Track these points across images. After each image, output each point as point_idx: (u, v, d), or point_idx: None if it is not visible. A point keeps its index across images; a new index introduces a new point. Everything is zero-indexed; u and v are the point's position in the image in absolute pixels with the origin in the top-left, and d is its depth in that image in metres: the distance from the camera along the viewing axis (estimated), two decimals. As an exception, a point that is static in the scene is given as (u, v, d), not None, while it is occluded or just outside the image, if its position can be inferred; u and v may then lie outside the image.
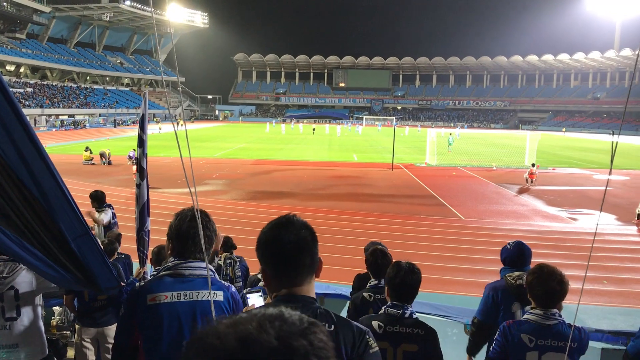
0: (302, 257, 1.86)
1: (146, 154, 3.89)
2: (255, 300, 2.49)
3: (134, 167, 22.04)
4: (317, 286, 6.67)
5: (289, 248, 1.83)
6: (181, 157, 2.23)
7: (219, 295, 2.79)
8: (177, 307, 2.72)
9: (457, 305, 6.85)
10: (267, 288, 1.92)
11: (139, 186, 3.88)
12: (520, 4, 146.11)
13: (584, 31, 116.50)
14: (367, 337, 1.93)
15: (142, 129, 3.94)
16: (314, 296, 1.94)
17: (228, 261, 7.15)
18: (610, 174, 28.34)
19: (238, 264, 7.21)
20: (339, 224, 15.81)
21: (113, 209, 9.30)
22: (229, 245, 7.40)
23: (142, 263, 3.68)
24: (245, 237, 11.31)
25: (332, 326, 1.88)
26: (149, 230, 3.93)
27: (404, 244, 13.31)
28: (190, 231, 2.77)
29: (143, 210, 3.87)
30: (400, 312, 3.23)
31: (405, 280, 3.30)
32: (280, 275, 1.86)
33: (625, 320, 8.74)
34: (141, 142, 3.92)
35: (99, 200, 9.01)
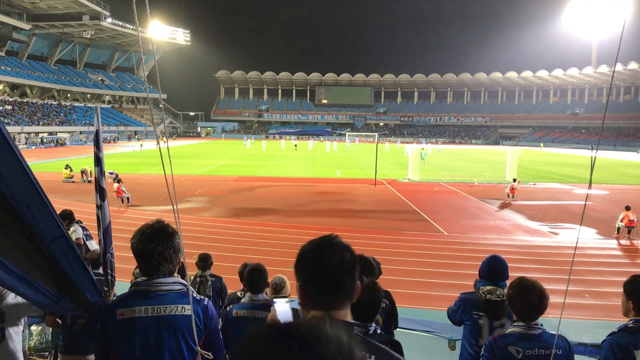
0: (345, 281, 1.80)
1: (104, 172, 3.70)
2: (280, 307, 2.47)
3: (115, 185, 21.89)
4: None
5: (333, 271, 1.78)
6: (165, 174, 2.20)
7: (188, 310, 2.78)
8: (145, 322, 2.75)
9: (440, 321, 6.82)
10: (302, 305, 1.85)
11: (100, 207, 3.67)
12: (500, 21, 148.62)
13: (562, 49, 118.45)
14: None
15: (97, 146, 3.70)
16: (351, 321, 1.88)
17: (199, 279, 7.00)
18: (589, 188, 28.64)
19: (210, 283, 7.04)
20: (322, 240, 15.71)
21: (82, 223, 9.27)
22: (204, 262, 7.23)
23: (111, 286, 3.57)
24: (227, 255, 11.25)
25: (372, 356, 1.82)
26: (113, 252, 3.81)
27: (387, 260, 13.29)
28: (149, 250, 2.77)
29: (107, 232, 3.70)
30: (364, 329, 3.19)
31: (360, 300, 3.25)
32: (319, 297, 1.80)
33: (607, 334, 8.78)
34: (98, 161, 3.69)
35: (69, 218, 9.02)
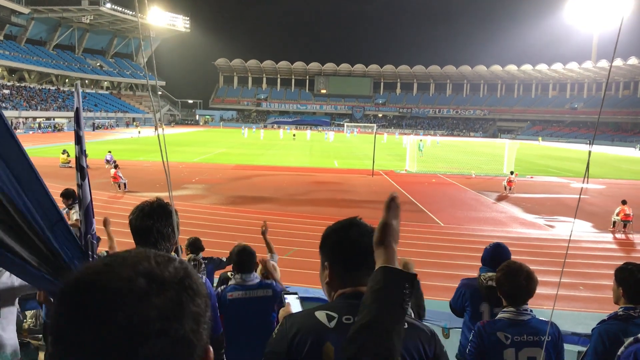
0: (372, 259, 1.84)
1: (85, 150, 3.61)
2: (292, 301, 2.49)
3: (112, 171, 21.85)
4: (296, 290, 6.66)
5: (363, 250, 1.85)
6: (163, 160, 2.19)
7: None
8: None
9: (434, 309, 6.85)
10: (330, 284, 1.93)
11: (80, 186, 3.59)
12: (501, 14, 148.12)
13: (562, 42, 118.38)
14: (437, 338, 1.91)
15: (78, 124, 3.61)
16: None
17: (193, 263, 6.99)
18: (584, 182, 28.66)
19: (203, 266, 7.05)
20: (318, 229, 15.74)
21: None
22: (196, 246, 7.23)
23: None
24: (222, 242, 11.23)
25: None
26: (95, 234, 3.74)
27: (383, 250, 13.32)
28: (148, 227, 2.77)
29: (88, 212, 3.63)
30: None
31: None
32: (348, 275, 1.89)
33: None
34: (78, 139, 3.60)
35: (73, 197, 9.04)
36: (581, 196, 24.96)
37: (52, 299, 4.84)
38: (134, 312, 0.77)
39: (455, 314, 4.69)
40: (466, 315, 4.44)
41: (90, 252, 3.57)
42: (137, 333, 0.77)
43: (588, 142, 35.81)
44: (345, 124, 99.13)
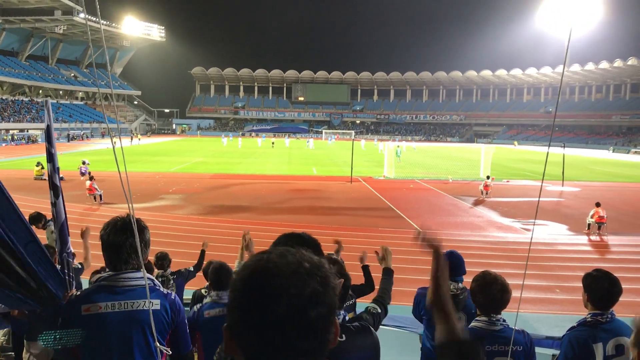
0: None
1: (58, 168, 3.54)
2: None
3: (87, 183, 21.57)
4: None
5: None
6: (119, 172, 2.16)
7: (156, 304, 2.75)
8: (112, 318, 2.69)
9: (411, 316, 6.86)
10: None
11: (54, 205, 3.53)
12: (475, 21, 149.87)
13: (535, 48, 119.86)
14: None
15: (49, 142, 3.55)
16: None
17: (161, 279, 6.88)
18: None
19: (172, 281, 6.95)
20: (297, 237, 15.68)
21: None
22: (161, 260, 7.12)
23: (70, 286, 3.48)
24: (199, 252, 11.12)
25: (343, 335, 1.85)
26: (71, 251, 3.67)
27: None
28: (119, 242, 2.74)
29: (63, 230, 3.57)
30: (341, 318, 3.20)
31: None
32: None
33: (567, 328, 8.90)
34: (50, 157, 3.54)
35: (42, 219, 8.84)
36: (556, 199, 25.30)
37: (27, 313, 4.77)
38: (305, 285, 1.05)
39: (416, 318, 4.84)
40: (424, 323, 4.51)
41: (66, 270, 3.50)
42: (308, 301, 1.04)
43: (563, 145, 36.25)
44: (324, 131, 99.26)
